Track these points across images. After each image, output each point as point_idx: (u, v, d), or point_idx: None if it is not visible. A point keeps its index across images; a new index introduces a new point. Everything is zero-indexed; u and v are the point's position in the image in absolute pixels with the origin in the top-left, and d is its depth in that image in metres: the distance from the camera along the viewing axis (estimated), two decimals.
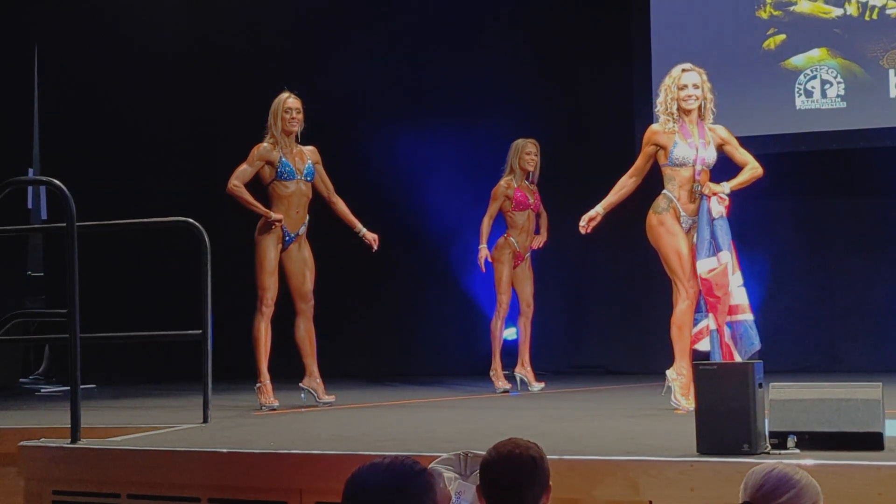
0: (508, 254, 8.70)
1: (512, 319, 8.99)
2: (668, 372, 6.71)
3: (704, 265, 6.49)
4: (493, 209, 8.73)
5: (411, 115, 10.61)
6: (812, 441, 4.71)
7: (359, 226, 7.78)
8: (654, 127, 6.79)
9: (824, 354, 9.89)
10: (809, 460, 4.43)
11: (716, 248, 6.50)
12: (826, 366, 9.59)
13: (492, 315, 8.85)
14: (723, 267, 6.47)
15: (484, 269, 8.73)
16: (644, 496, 4.53)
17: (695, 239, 6.60)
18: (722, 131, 6.80)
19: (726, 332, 6.50)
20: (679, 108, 6.65)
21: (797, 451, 4.67)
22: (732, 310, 6.53)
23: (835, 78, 9.61)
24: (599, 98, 10.33)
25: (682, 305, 6.60)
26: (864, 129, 9.51)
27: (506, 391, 8.64)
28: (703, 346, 6.54)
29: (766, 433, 4.75)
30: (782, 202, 9.85)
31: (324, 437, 5.78)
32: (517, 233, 8.74)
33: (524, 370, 8.83)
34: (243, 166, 7.48)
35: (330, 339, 8.69)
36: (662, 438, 5.29)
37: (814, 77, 9.67)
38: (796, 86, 9.69)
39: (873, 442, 4.65)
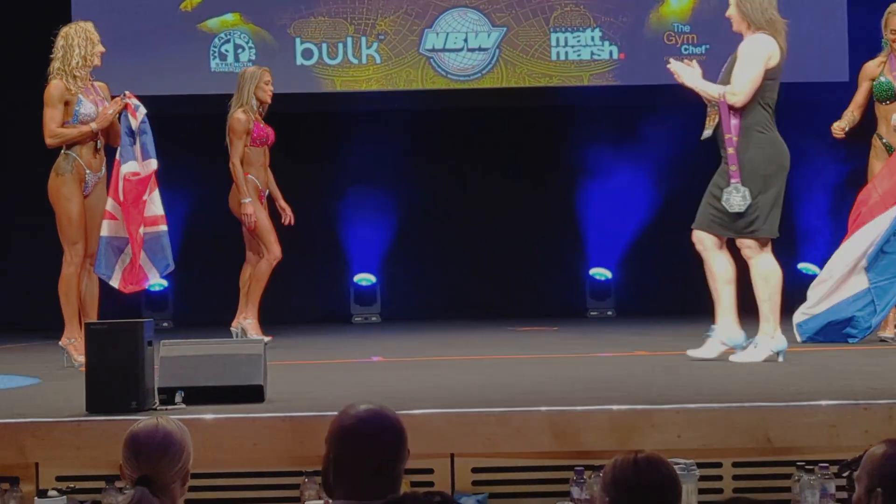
0: (255, 194, 7.69)
1: None
2: (61, 341, 6.61)
3: (129, 167, 6.44)
4: (239, 148, 7.57)
5: None
6: (199, 395, 4.93)
7: None
8: (57, 83, 6.63)
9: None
10: (196, 415, 4.63)
11: (144, 155, 6.48)
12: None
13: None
14: (147, 175, 6.46)
15: (252, 227, 7.62)
16: (31, 458, 4.55)
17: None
18: (104, 88, 6.82)
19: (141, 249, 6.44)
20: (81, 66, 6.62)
21: (184, 406, 4.87)
22: (149, 221, 6.47)
23: (247, 43, 9.92)
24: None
25: (68, 270, 6.56)
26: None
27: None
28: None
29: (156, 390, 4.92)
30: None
31: None
32: (255, 170, 7.71)
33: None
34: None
35: None
36: (56, 399, 5.30)
37: (227, 41, 9.92)
38: (211, 48, 9.91)
39: (255, 394, 4.96)
